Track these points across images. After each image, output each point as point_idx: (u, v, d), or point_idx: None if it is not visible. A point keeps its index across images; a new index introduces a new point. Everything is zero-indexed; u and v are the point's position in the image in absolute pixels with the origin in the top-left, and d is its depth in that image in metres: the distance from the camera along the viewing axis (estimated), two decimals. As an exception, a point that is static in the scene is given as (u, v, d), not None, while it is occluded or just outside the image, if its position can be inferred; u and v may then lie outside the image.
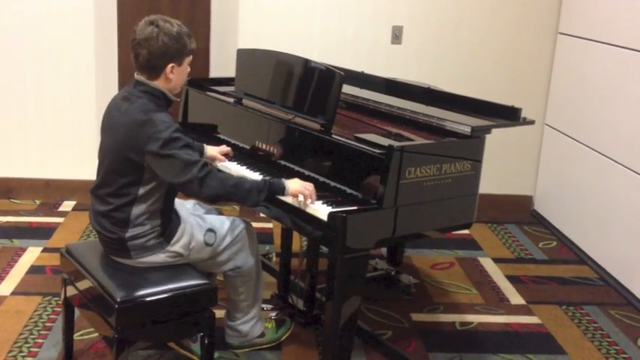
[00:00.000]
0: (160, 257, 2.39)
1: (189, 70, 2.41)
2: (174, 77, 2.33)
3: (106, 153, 2.35)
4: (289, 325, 2.84)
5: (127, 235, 2.32)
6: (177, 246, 2.40)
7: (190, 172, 2.21)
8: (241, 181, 2.32)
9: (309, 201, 2.33)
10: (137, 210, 2.31)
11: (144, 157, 2.24)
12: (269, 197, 2.36)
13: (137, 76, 2.34)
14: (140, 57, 2.29)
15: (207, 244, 2.47)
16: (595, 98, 3.88)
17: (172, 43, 2.28)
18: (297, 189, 2.35)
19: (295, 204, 2.37)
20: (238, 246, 2.55)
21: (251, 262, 2.60)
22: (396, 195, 2.28)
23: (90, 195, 2.43)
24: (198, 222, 2.49)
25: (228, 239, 2.52)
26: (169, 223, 2.39)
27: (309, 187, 2.35)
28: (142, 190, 2.30)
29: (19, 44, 4.11)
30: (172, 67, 2.31)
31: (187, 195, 2.41)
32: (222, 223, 2.54)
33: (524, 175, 4.58)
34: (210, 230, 2.48)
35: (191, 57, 2.38)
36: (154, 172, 2.26)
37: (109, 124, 2.35)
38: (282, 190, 2.35)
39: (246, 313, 2.66)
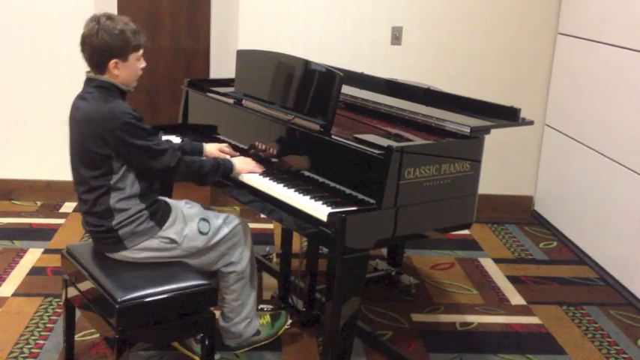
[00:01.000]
0: (154, 242, 2.41)
1: (142, 64, 2.43)
2: (121, 73, 2.37)
3: (73, 153, 2.41)
4: (285, 318, 2.83)
5: (114, 222, 2.35)
6: (171, 232, 2.43)
7: (161, 162, 2.35)
8: (202, 163, 2.49)
9: (257, 176, 2.57)
10: (115, 197, 2.35)
11: (110, 147, 2.29)
12: (222, 176, 2.57)
13: (87, 74, 2.42)
14: (85, 53, 2.37)
15: (201, 233, 2.50)
16: (595, 98, 3.88)
17: (113, 39, 2.31)
18: (242, 167, 2.59)
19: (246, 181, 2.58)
20: (233, 241, 2.58)
21: (245, 260, 2.62)
22: (395, 195, 2.28)
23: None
24: (192, 211, 2.54)
25: (222, 232, 2.55)
26: (156, 207, 2.42)
27: (251, 162, 2.63)
28: (114, 179, 2.35)
29: (19, 45, 4.12)
30: (116, 62, 2.34)
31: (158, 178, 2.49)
32: (216, 215, 2.59)
33: (525, 176, 4.58)
34: (204, 219, 2.53)
35: (139, 53, 2.40)
36: (124, 159, 2.33)
37: (72, 125, 2.42)
38: (231, 169, 2.57)
39: (238, 314, 2.65)
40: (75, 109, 2.41)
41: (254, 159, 2.70)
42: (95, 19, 2.34)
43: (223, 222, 2.57)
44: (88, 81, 2.41)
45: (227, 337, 2.71)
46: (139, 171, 2.37)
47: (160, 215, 2.42)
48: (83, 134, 2.34)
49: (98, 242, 2.46)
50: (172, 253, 2.47)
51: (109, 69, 2.35)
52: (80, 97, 2.41)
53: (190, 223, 2.49)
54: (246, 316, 2.67)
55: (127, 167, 2.35)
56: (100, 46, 2.31)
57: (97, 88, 2.36)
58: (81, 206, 2.45)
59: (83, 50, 2.36)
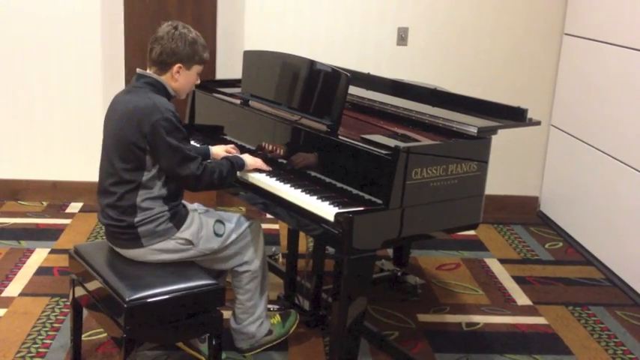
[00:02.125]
0: (170, 244, 2.43)
1: (197, 81, 2.55)
2: (180, 79, 2.47)
3: (108, 144, 2.43)
4: (295, 317, 2.84)
5: (136, 219, 2.38)
6: (187, 233, 2.45)
7: (189, 168, 2.37)
8: (221, 170, 2.49)
9: (264, 175, 2.59)
10: (142, 196, 2.38)
11: (147, 140, 2.32)
12: (236, 174, 2.60)
13: (139, 70, 2.47)
14: (153, 52, 2.45)
15: (216, 235, 2.53)
16: (601, 99, 3.88)
17: (184, 46, 2.44)
18: (253, 162, 2.62)
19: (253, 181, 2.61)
20: (246, 241, 2.60)
21: (258, 259, 2.64)
22: (402, 196, 2.28)
23: (97, 195, 2.50)
24: (207, 214, 2.58)
25: (236, 233, 2.58)
26: (177, 210, 2.45)
27: (258, 159, 2.65)
28: (145, 177, 2.37)
29: (26, 47, 4.13)
30: (180, 67, 2.46)
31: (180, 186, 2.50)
32: (229, 217, 2.62)
33: (530, 176, 4.57)
34: (219, 221, 2.56)
35: (201, 67, 2.53)
36: (155, 156, 2.35)
37: (112, 116, 2.45)
38: (243, 166, 2.60)
39: (251, 314, 2.67)
40: (117, 101, 2.46)
41: (261, 159, 2.70)
42: (173, 25, 2.46)
43: (237, 222, 2.60)
44: (139, 77, 2.46)
45: (239, 339, 2.71)
46: (167, 175, 2.39)
47: (178, 217, 2.45)
48: (123, 124, 2.36)
49: (114, 237, 2.46)
50: (187, 254, 2.48)
51: (172, 72, 2.44)
52: (126, 91, 2.48)
53: (206, 224, 2.51)
54: (258, 316, 2.68)
55: (159, 168, 2.38)
56: (170, 48, 2.42)
57: (147, 84, 2.44)
58: (104, 198, 2.45)
59: (152, 49, 2.44)
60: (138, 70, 2.48)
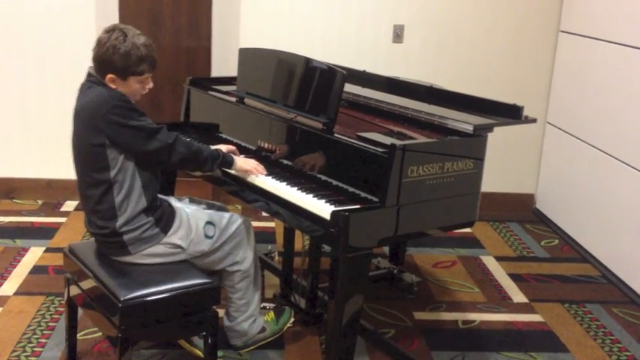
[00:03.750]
0: (159, 248, 2.40)
1: (148, 85, 2.40)
2: (118, 87, 2.34)
3: (74, 146, 2.41)
4: (290, 314, 2.82)
5: (118, 224, 2.33)
6: (176, 237, 2.41)
7: (158, 140, 2.30)
8: (201, 147, 2.44)
9: (259, 175, 2.55)
10: (119, 195, 2.33)
11: (105, 134, 2.27)
12: (221, 166, 2.55)
13: (89, 69, 2.41)
14: (93, 53, 2.35)
15: (207, 237, 2.48)
16: (596, 96, 3.88)
17: (116, 57, 2.28)
18: (242, 165, 2.56)
19: (244, 176, 2.59)
20: (237, 241, 2.57)
21: (250, 258, 2.61)
22: (398, 193, 2.28)
23: (80, 203, 2.49)
24: (196, 215, 2.51)
25: (227, 233, 2.54)
26: (160, 211, 2.40)
27: (252, 162, 2.58)
28: (112, 173, 2.31)
29: (20, 44, 4.12)
30: (112, 78, 2.33)
31: (156, 163, 2.41)
32: (220, 217, 2.56)
33: (526, 174, 4.58)
34: (210, 223, 2.51)
35: (143, 76, 2.35)
36: (118, 146, 2.28)
37: (73, 118, 2.40)
38: (231, 164, 2.55)
39: (243, 312, 2.65)
40: (77, 100, 2.42)
41: (257, 158, 2.69)
42: (110, 30, 2.32)
43: (228, 222, 2.56)
44: (88, 75, 2.41)
45: (233, 337, 2.70)
46: (138, 158, 2.33)
47: (164, 221, 2.40)
48: (80, 124, 2.34)
49: (102, 245, 2.44)
50: (178, 257, 2.46)
51: (107, 80, 2.33)
52: (80, 89, 2.42)
53: (196, 227, 2.46)
54: (250, 314, 2.67)
55: (124, 158, 2.31)
56: (102, 57, 2.30)
57: (92, 83, 2.37)
58: (85, 204, 2.43)
59: (93, 49, 2.35)
60: (89, 67, 2.40)
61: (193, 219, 2.48)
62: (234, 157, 2.59)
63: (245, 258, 2.60)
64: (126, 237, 2.35)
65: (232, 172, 2.60)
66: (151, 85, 2.42)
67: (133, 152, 2.32)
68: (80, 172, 2.41)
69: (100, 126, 2.26)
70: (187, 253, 2.46)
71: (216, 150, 2.53)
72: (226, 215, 2.59)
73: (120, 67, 2.30)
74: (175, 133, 2.39)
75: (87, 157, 2.34)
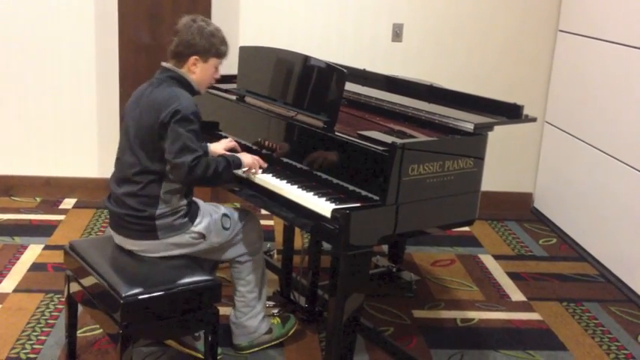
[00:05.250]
0: (184, 238, 2.45)
1: (216, 75, 2.55)
2: (198, 71, 2.47)
3: (131, 134, 2.42)
4: (294, 321, 2.85)
5: (157, 212, 2.38)
6: (200, 227, 2.48)
7: (184, 157, 2.32)
8: (217, 166, 2.43)
9: (259, 170, 2.58)
10: (165, 188, 2.39)
11: (163, 127, 2.33)
12: (232, 172, 2.55)
13: (164, 63, 2.48)
14: (172, 44, 2.47)
15: (224, 228, 2.55)
16: (595, 96, 3.89)
17: (200, 38, 2.44)
18: (249, 161, 2.57)
19: (243, 175, 2.59)
20: (247, 232, 2.64)
21: (259, 250, 2.69)
22: (398, 192, 2.28)
23: (112, 184, 2.49)
24: (213, 208, 2.59)
25: (240, 225, 2.62)
26: (191, 205, 2.48)
27: (256, 158, 2.60)
28: (168, 167, 2.37)
29: (19, 42, 4.11)
30: (196, 59, 2.45)
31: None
32: (233, 210, 2.64)
33: (525, 173, 4.59)
34: (226, 215, 2.58)
35: (219, 61, 2.52)
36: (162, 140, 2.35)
37: (133, 107, 2.44)
38: (240, 165, 2.55)
39: (253, 307, 2.67)
40: (140, 93, 2.45)
41: (257, 156, 2.70)
42: (193, 18, 2.48)
43: (240, 215, 2.63)
44: (163, 70, 2.47)
45: (239, 334, 2.70)
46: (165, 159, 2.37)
47: (192, 212, 2.48)
48: (145, 114, 2.37)
49: (126, 227, 2.43)
50: (197, 248, 2.50)
51: (189, 64, 2.45)
52: (150, 83, 2.46)
53: (214, 219, 2.53)
54: (259, 310, 2.69)
55: None
56: (187, 39, 2.43)
57: (169, 77, 2.44)
58: (124, 187, 2.42)
59: (171, 41, 2.46)
60: (162, 63, 2.49)
61: (212, 211, 2.56)
62: (239, 156, 2.58)
63: (256, 249, 2.67)
64: (159, 222, 2.39)
65: (239, 172, 2.59)
66: (219, 74, 2.56)
67: (164, 150, 2.35)
68: (131, 158, 2.40)
69: (163, 118, 2.31)
70: (207, 243, 2.51)
71: (225, 159, 2.48)
72: (237, 210, 2.66)
73: (205, 47, 2.44)
74: (201, 158, 2.35)
75: (146, 145, 2.38)
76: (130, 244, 2.46)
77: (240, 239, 2.62)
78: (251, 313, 2.67)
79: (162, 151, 2.35)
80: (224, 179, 2.50)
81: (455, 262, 3.78)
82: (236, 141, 2.90)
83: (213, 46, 2.46)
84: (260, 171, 2.59)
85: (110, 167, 2.56)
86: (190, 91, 2.45)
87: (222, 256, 2.63)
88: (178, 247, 2.46)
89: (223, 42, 2.50)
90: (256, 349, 2.73)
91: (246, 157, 2.58)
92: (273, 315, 2.85)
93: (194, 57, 2.44)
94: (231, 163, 2.50)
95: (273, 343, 2.76)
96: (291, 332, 2.82)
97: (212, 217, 2.53)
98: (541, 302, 3.36)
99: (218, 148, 2.76)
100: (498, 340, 2.99)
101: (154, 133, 2.34)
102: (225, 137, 2.97)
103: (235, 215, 2.62)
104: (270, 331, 2.74)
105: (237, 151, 2.76)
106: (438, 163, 2.38)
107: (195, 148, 2.34)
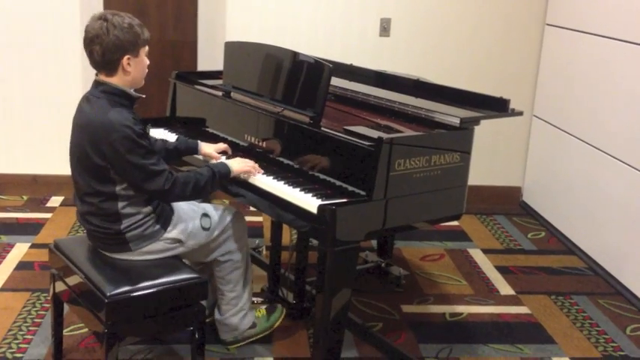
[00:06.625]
0: (159, 245, 2.39)
1: (147, 62, 2.36)
2: (133, 69, 2.29)
3: (74, 154, 2.34)
4: (281, 311, 2.83)
5: (122, 227, 2.32)
6: (175, 232, 2.42)
7: (155, 184, 2.25)
8: (197, 180, 2.35)
9: (256, 174, 2.50)
10: (122, 203, 2.30)
11: (107, 159, 2.22)
12: (220, 181, 2.46)
13: (96, 77, 2.32)
14: (95, 54, 2.25)
15: (203, 229, 2.49)
16: (583, 89, 3.89)
17: (124, 35, 2.24)
18: (240, 168, 2.49)
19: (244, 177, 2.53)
20: (230, 232, 2.59)
21: (241, 250, 2.63)
22: (385, 187, 2.27)
23: (74, 200, 2.43)
24: (192, 208, 2.52)
25: (222, 224, 2.55)
26: (160, 208, 2.39)
27: (249, 162, 2.52)
28: (118, 188, 2.28)
29: (4, 39, 4.07)
30: (128, 59, 2.27)
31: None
32: (215, 209, 2.58)
33: (513, 167, 4.59)
34: (205, 215, 2.52)
35: (147, 48, 2.34)
36: (118, 174, 2.25)
37: (75, 126, 2.34)
38: (228, 174, 2.46)
39: (234, 306, 2.66)
40: (79, 111, 2.33)
41: (244, 152, 2.68)
42: (102, 17, 2.25)
43: (222, 213, 2.57)
44: (97, 84, 2.30)
45: (223, 331, 2.70)
46: (134, 189, 2.29)
47: (164, 217, 2.39)
48: (83, 139, 2.26)
49: (98, 240, 2.40)
50: (176, 252, 2.45)
51: (122, 66, 2.27)
52: (86, 98, 2.32)
53: (192, 220, 2.47)
54: (241, 308, 2.67)
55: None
56: (112, 43, 2.22)
57: (105, 93, 2.27)
58: (82, 206, 2.37)
59: (91, 51, 2.25)
60: (95, 76, 2.32)
61: (190, 212, 2.49)
62: (229, 163, 2.49)
63: (237, 248, 2.61)
64: (128, 235, 2.33)
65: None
66: (148, 60, 2.37)
67: (128, 183, 2.27)
68: (78, 179, 2.34)
69: (103, 150, 2.21)
70: (185, 246, 2.46)
71: (210, 171, 2.41)
72: (220, 207, 2.61)
73: (131, 41, 2.25)
74: (175, 176, 2.29)
75: (90, 170, 2.28)
76: (108, 254, 2.41)
77: (222, 239, 2.57)
78: (232, 311, 2.66)
79: (106, 176, 2.25)
80: (208, 192, 2.42)
81: (444, 256, 3.78)
82: (223, 137, 2.88)
83: (139, 37, 2.27)
84: (258, 171, 2.52)
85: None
86: (129, 100, 2.30)
87: (207, 257, 2.58)
88: (155, 254, 2.40)
89: (142, 26, 2.30)
90: (242, 343, 2.73)
91: (235, 164, 2.50)
92: (258, 308, 2.83)
93: (126, 57, 2.25)
94: (216, 174, 2.41)
95: (259, 337, 2.75)
96: (277, 324, 2.80)
97: (189, 220, 2.45)
98: (530, 296, 3.36)
99: (210, 150, 2.73)
100: (487, 334, 2.99)
101: (96, 162, 2.24)
102: (212, 134, 2.95)
103: (217, 214, 2.56)
104: (254, 325, 2.72)
105: (228, 154, 2.74)
106: (425, 158, 2.38)
107: (159, 169, 2.25)
